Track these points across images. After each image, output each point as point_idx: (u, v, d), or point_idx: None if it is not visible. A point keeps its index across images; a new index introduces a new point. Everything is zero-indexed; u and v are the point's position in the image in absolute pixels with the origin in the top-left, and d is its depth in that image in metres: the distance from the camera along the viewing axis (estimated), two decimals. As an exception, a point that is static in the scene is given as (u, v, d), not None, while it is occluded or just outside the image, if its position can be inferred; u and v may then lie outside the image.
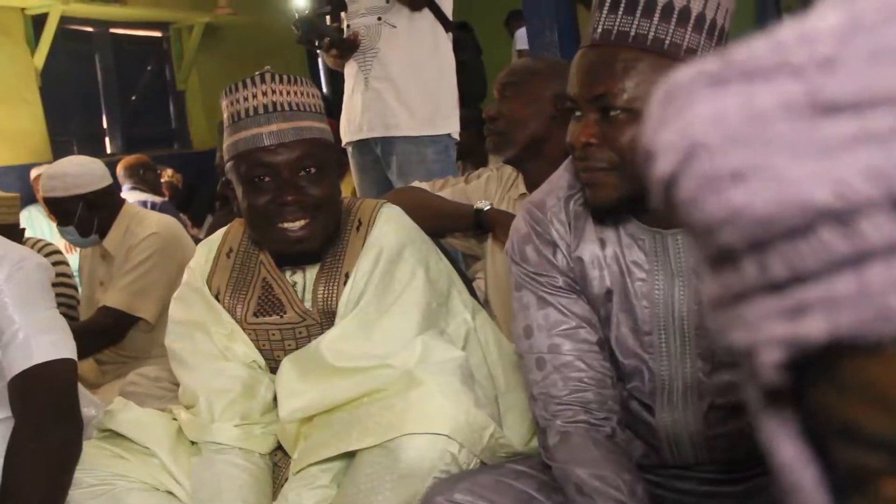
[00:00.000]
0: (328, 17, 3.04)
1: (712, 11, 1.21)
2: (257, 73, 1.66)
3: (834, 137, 0.30)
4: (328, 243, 1.71)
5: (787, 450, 0.38)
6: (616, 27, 1.22)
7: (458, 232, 2.20)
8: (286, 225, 1.62)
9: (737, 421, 1.35)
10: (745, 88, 0.32)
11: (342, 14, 3.07)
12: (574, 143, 1.25)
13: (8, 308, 1.61)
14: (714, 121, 0.33)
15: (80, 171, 2.80)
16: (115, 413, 1.72)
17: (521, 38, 6.44)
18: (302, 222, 1.62)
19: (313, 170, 1.63)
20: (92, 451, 1.65)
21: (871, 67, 0.30)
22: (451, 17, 3.08)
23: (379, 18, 2.96)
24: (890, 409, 0.32)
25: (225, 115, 1.67)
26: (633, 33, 1.21)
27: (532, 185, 1.96)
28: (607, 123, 1.23)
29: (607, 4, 1.22)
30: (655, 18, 1.20)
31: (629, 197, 1.25)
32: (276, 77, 1.64)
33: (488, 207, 2.09)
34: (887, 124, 0.29)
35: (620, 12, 1.21)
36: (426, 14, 3.00)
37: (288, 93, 1.63)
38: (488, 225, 2.09)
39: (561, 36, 3.07)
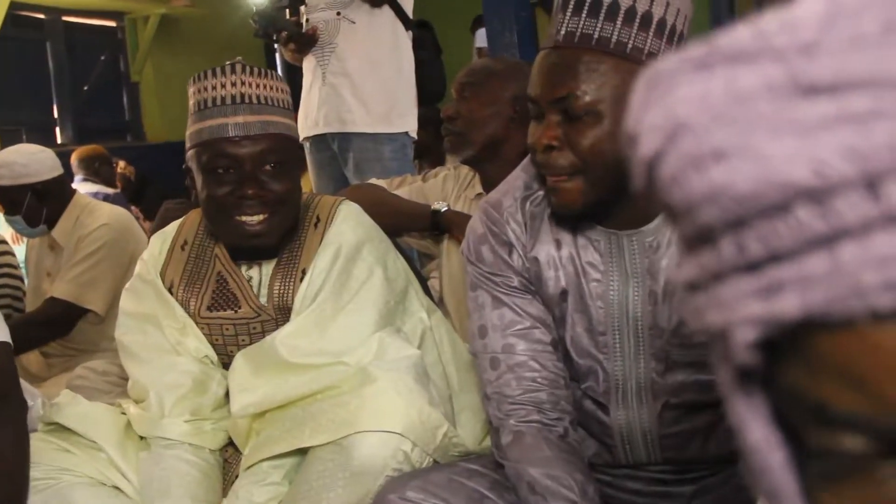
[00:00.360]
0: (286, 11, 3.02)
1: (672, 17, 1.23)
2: (228, 62, 1.64)
3: (813, 118, 0.31)
4: (285, 239, 1.70)
5: (757, 432, 0.39)
6: (580, 29, 1.22)
7: (414, 231, 2.20)
8: (244, 218, 1.61)
9: (690, 421, 1.37)
10: (729, 71, 0.33)
11: (301, 8, 3.05)
12: (535, 144, 1.25)
13: None
14: (698, 101, 0.33)
15: (30, 161, 2.74)
16: (62, 406, 1.69)
17: (481, 36, 6.45)
18: (260, 217, 1.61)
19: (276, 165, 1.61)
20: (37, 445, 1.61)
21: (850, 51, 0.30)
22: (411, 15, 3.07)
23: (338, 13, 2.95)
24: (860, 388, 0.33)
25: (191, 103, 1.66)
26: (596, 36, 1.22)
27: (489, 185, 1.96)
28: (569, 125, 1.23)
29: (571, 6, 1.23)
30: (619, 22, 1.21)
31: (594, 202, 1.26)
32: (247, 69, 1.63)
33: (445, 209, 2.09)
34: (865, 106, 0.30)
35: (584, 14, 1.22)
36: (386, 11, 2.99)
37: (257, 85, 1.62)
38: (445, 226, 2.10)
39: (520, 37, 3.08)
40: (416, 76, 3.10)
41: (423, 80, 3.13)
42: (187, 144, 1.67)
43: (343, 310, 1.64)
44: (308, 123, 3.07)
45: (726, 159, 0.33)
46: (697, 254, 0.37)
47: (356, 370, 1.55)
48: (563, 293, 1.37)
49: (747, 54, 0.33)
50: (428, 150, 4.39)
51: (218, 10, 7.33)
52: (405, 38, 3.04)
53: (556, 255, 1.37)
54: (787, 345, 0.35)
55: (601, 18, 1.22)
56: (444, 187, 2.22)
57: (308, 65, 3.06)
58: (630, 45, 1.22)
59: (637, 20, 1.21)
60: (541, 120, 1.26)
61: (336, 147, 3.04)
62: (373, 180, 2.43)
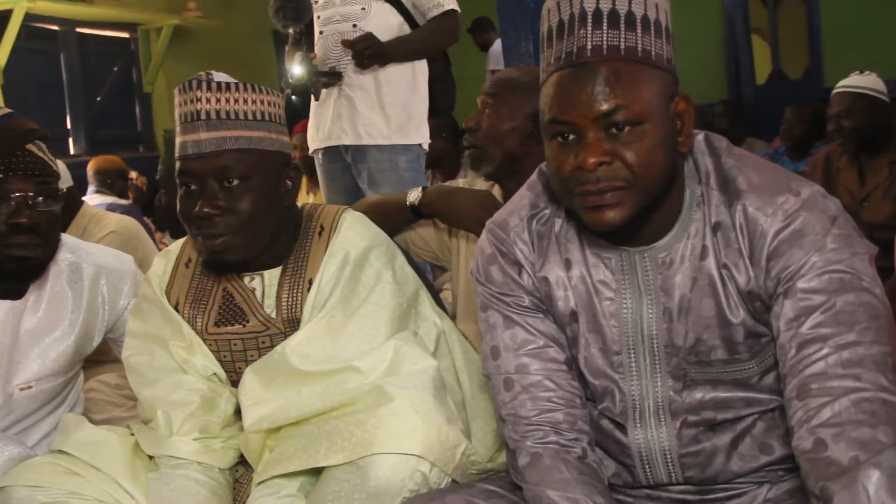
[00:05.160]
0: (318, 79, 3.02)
1: (664, 17, 1.24)
2: (191, 78, 1.61)
3: None
4: (283, 248, 1.68)
5: None
6: (605, 42, 1.20)
7: (403, 225, 2.18)
8: (202, 239, 1.59)
9: (710, 439, 1.35)
10: None
11: (315, 19, 3.05)
12: (584, 165, 1.20)
13: None
14: None
15: None
16: (68, 432, 1.67)
17: (495, 56, 6.41)
18: (219, 235, 1.58)
19: (235, 181, 1.58)
20: (45, 468, 1.60)
21: None
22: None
23: (354, 26, 2.94)
24: None
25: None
26: (623, 46, 1.20)
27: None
28: (612, 140, 1.20)
29: (590, 21, 1.20)
30: (638, 30, 1.20)
31: (637, 215, 1.23)
32: (203, 84, 1.59)
33: (420, 197, 2.08)
34: None
35: (605, 27, 1.20)
36: (401, 24, 2.99)
37: (217, 100, 1.59)
38: (426, 212, 2.09)
39: (536, 47, 3.06)
40: (428, 89, 3.09)
41: (432, 94, 3.12)
42: None
43: (353, 315, 1.62)
44: (321, 135, 3.06)
45: None
46: None
47: (372, 387, 1.51)
48: (573, 313, 1.35)
49: None
50: (442, 159, 4.37)
51: (230, 21, 7.36)
52: (419, 51, 3.04)
53: (564, 275, 1.35)
54: None
55: (622, 29, 1.20)
56: None
57: (321, 77, 3.05)
58: (653, 52, 1.21)
59: (651, 27, 1.21)
60: (569, 140, 1.22)
61: (350, 158, 3.03)
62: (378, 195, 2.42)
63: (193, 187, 1.59)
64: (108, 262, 1.94)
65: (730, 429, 1.34)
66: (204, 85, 1.59)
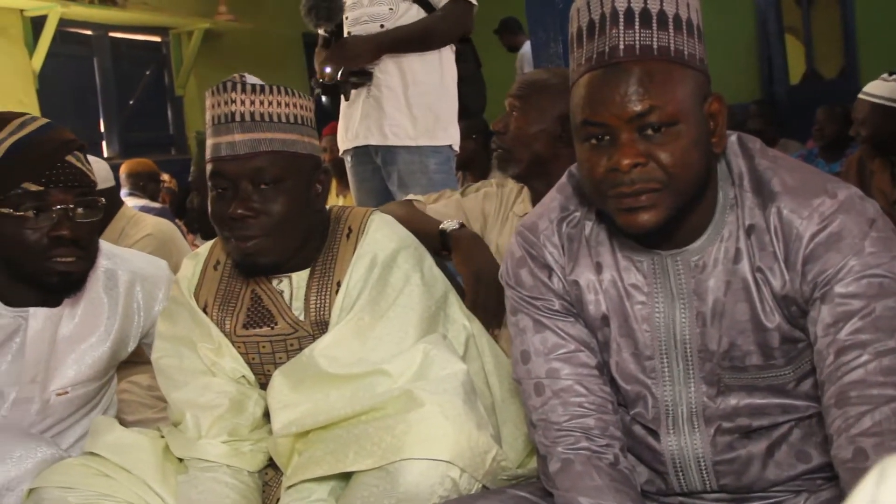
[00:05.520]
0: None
1: (696, 16, 1.22)
2: (225, 80, 1.62)
3: None
4: (313, 250, 1.68)
5: None
6: (637, 42, 1.18)
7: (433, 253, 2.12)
8: (236, 241, 1.59)
9: (745, 446, 1.32)
10: None
11: (344, 20, 3.04)
12: (618, 167, 1.18)
13: None
14: None
15: None
16: (99, 435, 1.68)
17: (527, 58, 6.36)
18: (252, 237, 1.58)
19: (274, 183, 1.58)
20: (77, 470, 1.60)
21: None
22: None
23: (382, 26, 2.93)
24: None
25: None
26: (655, 46, 1.18)
27: (538, 202, 1.91)
28: (646, 141, 1.18)
29: (621, 20, 1.18)
30: (670, 30, 1.19)
31: (671, 217, 1.21)
32: (238, 86, 1.60)
33: (454, 227, 2.02)
34: None
35: (637, 26, 1.18)
36: None
37: (252, 102, 1.59)
38: (451, 245, 2.01)
39: (566, 49, 3.04)
40: (458, 90, 3.07)
41: (462, 96, 3.09)
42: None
43: (382, 318, 1.61)
44: (349, 136, 3.06)
45: None
46: None
47: (401, 392, 1.50)
48: (604, 318, 1.34)
49: None
50: (472, 160, 4.36)
51: (260, 24, 7.40)
52: (448, 52, 3.02)
53: (595, 279, 1.34)
54: None
55: (654, 28, 1.18)
56: (485, 206, 2.16)
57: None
58: (686, 52, 1.19)
59: (683, 26, 1.20)
60: (602, 142, 1.20)
61: (380, 160, 3.02)
62: (410, 196, 2.39)
63: (226, 189, 1.59)
64: (143, 268, 1.94)
65: (765, 436, 1.32)
66: (238, 87, 1.59)
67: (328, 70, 2.90)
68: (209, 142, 1.61)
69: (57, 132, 1.72)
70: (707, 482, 1.35)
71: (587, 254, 1.34)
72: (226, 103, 1.58)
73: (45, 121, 1.74)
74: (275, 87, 1.62)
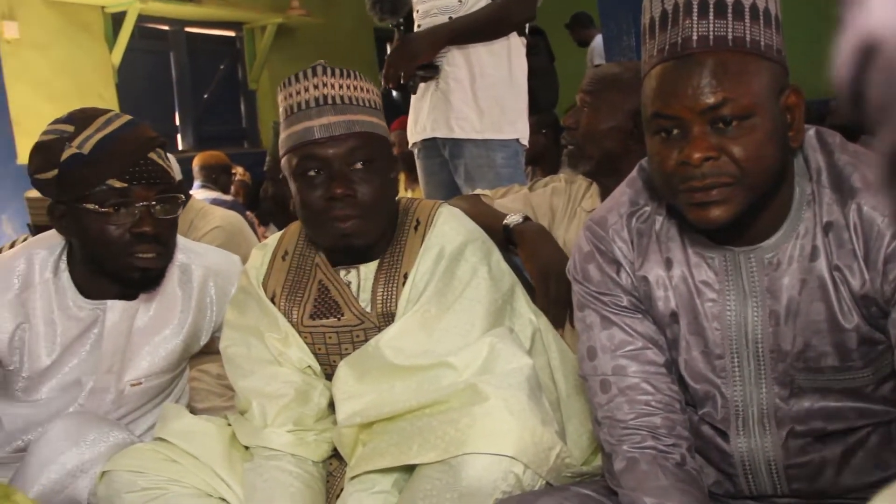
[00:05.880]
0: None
1: (773, 5, 1.19)
2: (310, 66, 1.64)
3: None
4: (383, 242, 1.68)
5: None
6: (711, 32, 1.15)
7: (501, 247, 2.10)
8: (337, 222, 1.60)
9: (819, 451, 1.29)
10: None
11: (414, 13, 3.04)
12: (689, 160, 1.15)
13: None
14: None
15: None
16: (168, 421, 1.71)
17: (599, 51, 6.29)
18: (351, 217, 1.60)
19: (365, 163, 1.61)
20: (147, 454, 1.64)
21: None
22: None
23: (450, 18, 2.92)
24: None
25: (280, 110, 1.68)
26: (730, 36, 1.15)
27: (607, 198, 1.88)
28: (719, 135, 1.15)
29: (695, 10, 1.15)
30: (746, 20, 1.15)
31: (744, 212, 1.18)
32: (328, 70, 1.63)
33: (518, 221, 1.99)
34: None
35: (711, 17, 1.15)
36: None
37: (340, 86, 1.62)
38: (515, 240, 1.99)
39: (638, 41, 2.99)
40: (529, 84, 3.04)
41: (534, 89, 3.06)
42: (280, 152, 1.67)
43: (449, 310, 1.61)
44: (418, 129, 3.05)
45: None
46: None
47: (466, 386, 1.49)
48: (674, 314, 1.31)
49: None
50: (542, 155, 4.31)
51: (332, 18, 7.47)
52: (518, 45, 2.99)
53: (665, 275, 1.31)
54: None
55: (730, 18, 1.15)
56: (553, 201, 2.13)
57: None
58: (762, 43, 1.16)
59: (760, 16, 1.16)
60: (673, 135, 1.18)
61: (447, 154, 3.01)
62: (478, 190, 2.38)
63: (318, 172, 1.60)
64: (216, 263, 1.97)
65: (841, 441, 1.27)
66: (329, 70, 1.63)
67: (387, 84, 2.90)
68: (294, 128, 1.62)
69: (140, 129, 1.75)
70: (778, 486, 1.32)
71: (657, 249, 1.32)
72: (315, 87, 1.61)
73: (128, 118, 1.77)
74: (357, 73, 1.66)
